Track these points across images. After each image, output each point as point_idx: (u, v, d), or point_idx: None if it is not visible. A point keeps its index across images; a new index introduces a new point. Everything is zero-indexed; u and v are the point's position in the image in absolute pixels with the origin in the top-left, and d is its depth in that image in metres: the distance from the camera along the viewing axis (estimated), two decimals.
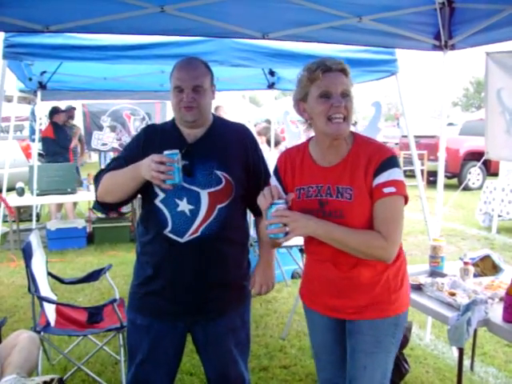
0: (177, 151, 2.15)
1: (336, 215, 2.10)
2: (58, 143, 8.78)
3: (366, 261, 2.14)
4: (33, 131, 9.20)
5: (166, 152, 2.14)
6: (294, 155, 2.29)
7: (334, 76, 2.07)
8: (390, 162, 2.09)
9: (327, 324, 2.35)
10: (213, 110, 2.49)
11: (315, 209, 2.13)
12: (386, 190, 2.05)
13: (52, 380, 2.55)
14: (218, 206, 2.32)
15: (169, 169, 2.11)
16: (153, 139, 2.34)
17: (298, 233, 2.04)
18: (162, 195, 2.31)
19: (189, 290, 2.34)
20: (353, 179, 2.11)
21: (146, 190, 2.32)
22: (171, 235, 2.31)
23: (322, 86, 2.06)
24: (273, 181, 2.30)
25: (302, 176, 2.23)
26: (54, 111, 8.84)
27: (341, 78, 2.08)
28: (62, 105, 9.34)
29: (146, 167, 2.14)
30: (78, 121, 10.22)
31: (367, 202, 2.08)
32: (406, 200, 2.12)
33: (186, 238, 2.30)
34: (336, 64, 2.08)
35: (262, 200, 2.06)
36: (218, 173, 2.32)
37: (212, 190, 2.30)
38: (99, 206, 2.46)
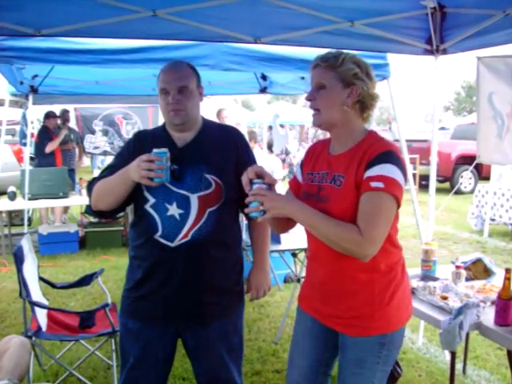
0: (166, 150, 2.17)
1: (323, 200, 2.09)
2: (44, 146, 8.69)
3: (350, 266, 2.08)
4: (23, 135, 9.13)
5: (154, 150, 2.16)
6: (320, 145, 2.32)
7: (314, 71, 2.13)
8: (385, 156, 2.00)
9: (311, 326, 2.31)
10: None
11: (313, 193, 2.15)
12: (374, 184, 1.96)
13: None
14: (208, 210, 2.32)
15: (158, 167, 2.13)
16: (143, 145, 2.34)
17: (274, 212, 2.00)
18: (152, 200, 2.31)
19: (179, 295, 2.33)
20: (347, 168, 2.07)
21: (137, 195, 2.33)
22: (162, 240, 2.31)
23: (310, 82, 2.15)
24: (297, 170, 2.37)
25: (316, 163, 2.26)
26: (47, 116, 8.78)
27: (317, 72, 2.12)
28: (54, 109, 9.28)
29: (135, 168, 2.16)
30: (71, 124, 10.15)
31: (352, 191, 2.02)
32: (398, 201, 1.99)
33: (177, 242, 2.30)
34: (316, 59, 2.14)
35: (244, 179, 2.06)
36: (208, 176, 2.32)
37: (202, 193, 2.30)
38: (94, 214, 2.46)
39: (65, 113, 9.17)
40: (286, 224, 2.31)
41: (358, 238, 1.92)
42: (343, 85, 2.07)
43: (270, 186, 2.04)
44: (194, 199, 2.30)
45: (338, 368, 2.25)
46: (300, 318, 2.40)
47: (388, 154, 2.00)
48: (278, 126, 7.04)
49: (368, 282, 2.10)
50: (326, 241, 2.01)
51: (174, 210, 2.29)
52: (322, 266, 2.19)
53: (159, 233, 2.30)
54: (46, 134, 8.63)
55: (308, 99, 2.15)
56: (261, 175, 2.04)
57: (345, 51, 2.16)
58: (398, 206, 2.02)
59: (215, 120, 6.52)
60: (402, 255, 2.22)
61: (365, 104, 2.12)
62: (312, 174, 2.24)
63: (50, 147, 8.51)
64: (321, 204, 2.07)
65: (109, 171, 2.38)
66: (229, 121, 8.23)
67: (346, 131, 2.13)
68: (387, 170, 1.97)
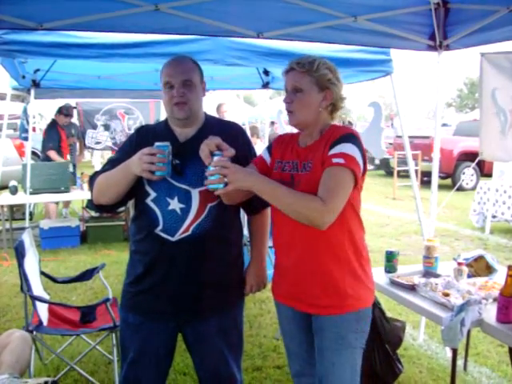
0: (167, 143, 2.18)
1: (296, 184, 2.22)
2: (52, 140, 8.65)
3: (324, 245, 2.21)
4: (24, 129, 9.08)
5: (156, 144, 2.17)
6: (289, 137, 2.46)
7: (290, 75, 2.29)
8: (346, 137, 2.19)
9: (292, 316, 2.42)
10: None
11: (287, 181, 2.25)
12: (335, 160, 2.13)
13: (46, 383, 2.53)
14: (209, 205, 2.32)
15: (160, 160, 2.13)
16: (145, 140, 2.34)
17: (237, 185, 2.08)
18: (153, 194, 2.32)
19: (180, 289, 2.33)
20: (314, 155, 2.23)
21: (138, 189, 2.33)
22: (162, 234, 2.31)
23: (285, 85, 2.32)
24: (264, 153, 2.45)
25: (285, 153, 2.38)
26: (59, 111, 8.76)
27: (293, 76, 2.27)
28: (56, 103, 9.24)
29: (136, 161, 2.17)
30: (73, 119, 10.13)
31: (320, 172, 2.16)
32: (356, 176, 2.15)
33: (177, 236, 2.30)
34: (291, 63, 2.28)
35: (205, 151, 2.10)
36: None
37: (203, 188, 2.29)
38: (96, 208, 2.47)
39: (68, 108, 9.13)
40: (237, 196, 2.31)
41: (320, 207, 2.06)
42: (318, 89, 2.25)
43: (230, 158, 2.12)
44: (195, 194, 2.30)
45: (317, 351, 2.34)
46: (279, 310, 2.52)
47: (349, 136, 2.20)
48: (282, 121, 7.01)
49: (340, 260, 2.24)
50: (288, 210, 2.13)
51: (175, 204, 2.30)
52: (295, 248, 2.28)
53: (160, 227, 2.30)
54: (53, 129, 8.60)
55: (286, 102, 2.29)
56: (220, 147, 2.10)
57: (317, 56, 2.29)
58: (356, 182, 2.17)
59: (215, 115, 6.51)
60: (364, 234, 2.37)
61: (336, 106, 2.32)
62: (281, 163, 2.36)
63: (52, 154, 8.50)
64: (293, 188, 2.18)
65: (110, 165, 2.38)
66: (228, 116, 8.22)
67: (316, 129, 2.30)
68: (347, 148, 2.15)
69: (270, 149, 2.45)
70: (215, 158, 2.06)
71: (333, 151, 2.15)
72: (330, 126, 2.31)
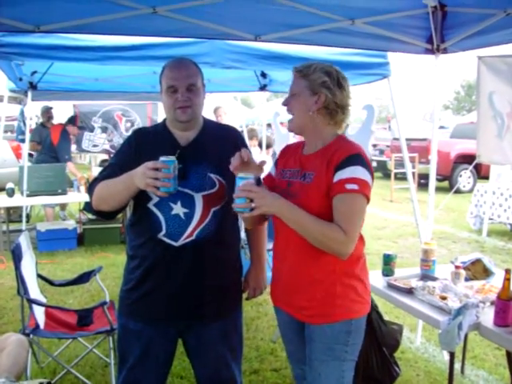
0: (173, 158, 2.10)
1: (292, 194, 2.20)
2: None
3: (317, 255, 2.17)
4: (20, 131, 9.06)
5: (161, 158, 2.08)
6: (295, 146, 2.44)
7: (292, 79, 2.29)
8: (355, 158, 2.13)
9: (289, 321, 2.42)
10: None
11: (283, 188, 2.25)
12: (349, 186, 2.08)
13: None
14: (213, 209, 2.31)
15: (165, 175, 2.05)
16: (145, 143, 2.32)
17: (264, 210, 2.07)
18: (155, 199, 2.28)
19: (182, 294, 2.32)
20: (316, 166, 2.21)
21: (139, 193, 2.27)
22: (165, 239, 2.28)
23: None
24: (271, 169, 2.46)
25: (288, 161, 2.38)
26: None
27: (293, 80, 2.28)
28: (52, 105, 9.21)
29: (140, 175, 2.09)
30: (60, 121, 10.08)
31: (321, 187, 2.15)
32: (368, 200, 2.15)
33: (181, 241, 2.28)
34: (292, 68, 2.28)
35: (236, 159, 2.12)
36: (212, 176, 2.31)
37: (206, 193, 2.29)
38: (96, 214, 2.41)
39: (48, 110, 9.06)
40: (259, 220, 2.37)
41: (342, 238, 2.05)
42: (311, 92, 2.21)
43: (258, 180, 2.14)
44: (198, 198, 2.29)
45: (307, 359, 2.33)
46: (277, 314, 2.53)
47: (357, 157, 2.14)
48: (278, 124, 6.99)
49: (335, 271, 2.21)
50: (311, 238, 2.11)
51: (178, 209, 2.28)
52: (289, 255, 2.28)
53: (163, 232, 2.28)
54: (67, 140, 8.68)
55: (283, 104, 2.30)
56: (249, 165, 2.13)
57: (320, 62, 2.30)
58: (368, 202, 2.17)
59: (212, 117, 6.51)
60: (363, 246, 2.34)
61: (330, 111, 2.23)
62: (284, 171, 2.36)
63: (72, 168, 8.61)
64: (290, 199, 2.16)
65: (110, 170, 2.34)
66: (225, 119, 8.22)
67: (316, 135, 2.27)
68: (359, 172, 2.11)
69: (276, 162, 2.46)
70: (244, 181, 2.05)
71: (343, 175, 2.10)
72: (336, 136, 2.27)
